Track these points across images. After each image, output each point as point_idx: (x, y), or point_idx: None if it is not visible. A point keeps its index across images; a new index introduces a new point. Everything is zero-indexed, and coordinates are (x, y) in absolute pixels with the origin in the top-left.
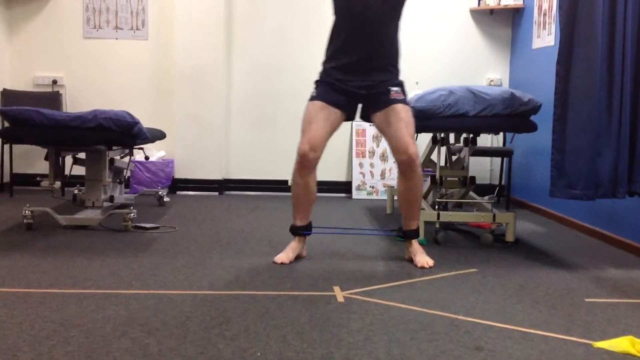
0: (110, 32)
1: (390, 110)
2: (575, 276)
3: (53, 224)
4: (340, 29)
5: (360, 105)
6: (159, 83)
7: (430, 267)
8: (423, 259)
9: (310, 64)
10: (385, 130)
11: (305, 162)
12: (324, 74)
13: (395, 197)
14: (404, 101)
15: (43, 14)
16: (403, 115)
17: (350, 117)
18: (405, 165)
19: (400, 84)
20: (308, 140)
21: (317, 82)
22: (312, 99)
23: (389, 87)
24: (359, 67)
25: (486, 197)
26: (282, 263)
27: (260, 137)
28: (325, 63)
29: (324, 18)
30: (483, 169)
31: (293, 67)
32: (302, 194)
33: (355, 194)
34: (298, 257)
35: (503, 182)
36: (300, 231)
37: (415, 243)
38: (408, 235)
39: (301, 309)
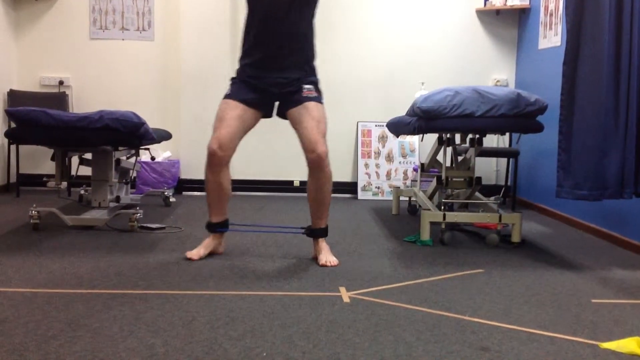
0: (117, 33)
1: (303, 109)
2: (582, 277)
3: (59, 224)
4: (251, 25)
5: (277, 103)
6: (165, 84)
7: (332, 266)
8: (326, 257)
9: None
10: (296, 128)
11: (214, 160)
12: (239, 71)
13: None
14: (316, 99)
15: (49, 15)
16: (315, 114)
17: (267, 115)
18: (314, 163)
19: (314, 82)
20: (217, 138)
21: (232, 79)
22: (226, 97)
23: (302, 85)
24: (272, 64)
25: (492, 198)
26: (191, 259)
27: (265, 138)
28: (240, 60)
29: (328, 19)
30: (489, 169)
31: None
32: (215, 192)
33: (361, 195)
34: (213, 254)
35: (509, 183)
36: (216, 228)
37: (322, 242)
38: (315, 234)
39: (307, 309)
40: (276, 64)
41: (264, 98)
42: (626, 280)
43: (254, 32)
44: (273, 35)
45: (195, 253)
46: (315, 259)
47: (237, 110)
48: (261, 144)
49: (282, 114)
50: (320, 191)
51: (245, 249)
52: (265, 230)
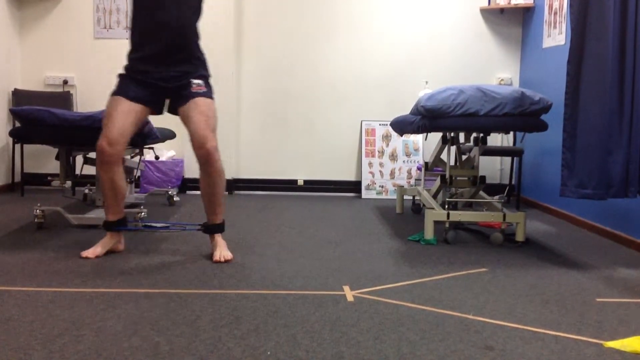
0: (121, 32)
1: (192, 104)
2: (586, 276)
3: (64, 223)
4: (137, 19)
5: (167, 101)
6: None
7: (226, 261)
8: (221, 253)
9: (321, 63)
10: (186, 124)
11: (105, 158)
12: (127, 66)
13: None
14: (206, 94)
15: (54, 15)
16: (203, 109)
17: (157, 111)
18: (203, 159)
19: (204, 77)
20: (105, 135)
21: (120, 75)
22: (113, 93)
23: (191, 80)
24: (160, 59)
25: (496, 197)
26: (86, 257)
27: (269, 137)
28: (128, 55)
29: (334, 18)
30: (493, 168)
31: (303, 67)
32: (109, 190)
33: (365, 194)
34: (113, 252)
35: (513, 182)
36: (113, 226)
37: (218, 237)
38: (211, 230)
39: (311, 308)
40: (164, 58)
41: (153, 94)
42: (631, 279)
43: (140, 26)
44: (159, 29)
45: (91, 252)
46: (211, 255)
47: (124, 106)
48: (265, 143)
49: (174, 111)
50: (212, 186)
51: (248, 247)
52: (161, 228)
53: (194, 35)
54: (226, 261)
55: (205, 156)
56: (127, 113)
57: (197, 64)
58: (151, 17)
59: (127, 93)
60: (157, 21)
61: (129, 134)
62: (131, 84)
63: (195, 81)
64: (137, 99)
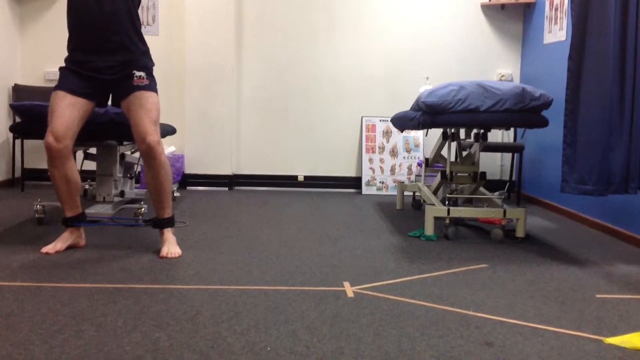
0: None
1: (133, 97)
2: (586, 272)
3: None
4: (71, 7)
5: (111, 94)
6: (169, 79)
7: (175, 257)
8: (169, 249)
9: (321, 59)
10: (128, 118)
11: (53, 154)
12: (67, 58)
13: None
14: (148, 87)
15: (54, 10)
16: (144, 103)
17: (101, 104)
18: (145, 153)
19: (146, 67)
20: (51, 131)
21: (60, 68)
22: (55, 88)
23: (133, 71)
24: (96, 47)
25: (497, 193)
26: (47, 253)
27: (270, 133)
28: (67, 45)
29: (334, 15)
30: (494, 164)
31: (303, 64)
32: (63, 185)
33: (365, 190)
34: (74, 247)
35: (514, 178)
36: (71, 222)
37: (167, 232)
38: (160, 224)
39: (311, 304)
40: (101, 46)
41: (94, 87)
42: (631, 276)
43: (71, 14)
44: (87, 17)
45: (51, 247)
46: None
47: (67, 100)
48: (265, 140)
49: (116, 104)
50: (157, 179)
51: (249, 243)
52: (112, 223)
53: (128, 22)
54: (173, 257)
55: (147, 150)
56: (70, 107)
57: (135, 52)
58: (81, 4)
59: (67, 86)
60: (86, 9)
61: (76, 127)
62: (71, 76)
63: (138, 73)
64: (78, 92)
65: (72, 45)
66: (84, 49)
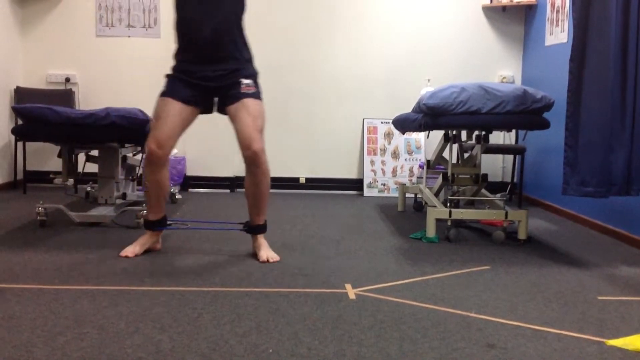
0: (123, 30)
1: (240, 105)
2: (588, 274)
3: (66, 221)
4: (182, 18)
5: (216, 99)
6: None
7: (274, 262)
8: (267, 253)
9: (322, 61)
10: (234, 124)
11: (154, 160)
12: (175, 66)
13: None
14: (254, 95)
15: (56, 12)
16: (251, 110)
17: (206, 111)
18: (249, 160)
19: (253, 76)
20: (154, 137)
21: (167, 76)
22: (162, 94)
23: (240, 79)
24: (207, 56)
25: (498, 195)
26: (126, 256)
27: (271, 135)
28: (175, 56)
29: (336, 15)
30: (495, 166)
31: (304, 66)
32: (154, 190)
33: (367, 192)
34: (151, 250)
35: (515, 180)
36: (154, 226)
37: (260, 238)
38: (254, 230)
39: (313, 306)
40: (211, 57)
41: (201, 94)
42: (632, 277)
43: (179, 24)
44: (203, 28)
45: (130, 251)
46: (254, 255)
47: (173, 107)
48: (267, 141)
49: (222, 110)
50: (258, 187)
51: (250, 245)
52: (204, 227)
53: (237, 31)
54: (274, 262)
55: (252, 157)
56: (175, 114)
57: (242, 61)
58: (189, 14)
59: (175, 94)
60: (195, 18)
61: (178, 135)
62: (178, 84)
63: (245, 81)
64: (185, 99)
65: (180, 55)
66: (194, 59)
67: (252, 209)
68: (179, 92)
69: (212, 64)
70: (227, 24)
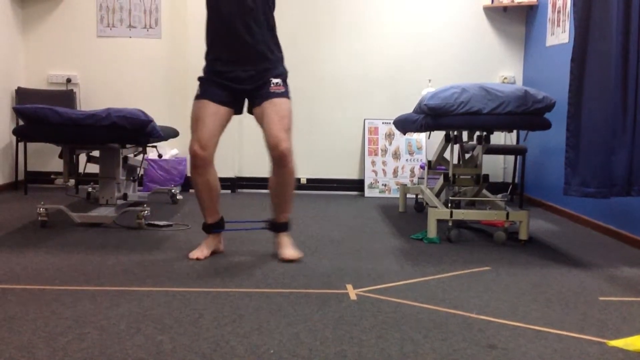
0: (124, 30)
1: (269, 104)
2: (589, 275)
3: (67, 221)
4: (212, 20)
5: (246, 100)
6: (172, 81)
7: (296, 260)
8: (289, 252)
9: (324, 62)
10: (261, 124)
11: (198, 162)
12: (206, 69)
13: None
14: (283, 94)
15: (57, 13)
16: (280, 110)
17: (238, 112)
18: (276, 160)
19: (282, 75)
20: (197, 139)
21: (200, 78)
22: (197, 97)
23: (270, 79)
24: (237, 58)
25: (499, 195)
26: (197, 259)
27: None
28: (206, 57)
29: (337, 16)
30: (496, 166)
31: (305, 68)
32: (205, 193)
33: (368, 192)
34: (215, 253)
35: (516, 180)
36: (212, 229)
37: (283, 236)
38: (277, 228)
39: (314, 306)
40: (242, 57)
41: (233, 96)
42: (634, 278)
43: (215, 26)
44: (234, 28)
45: (199, 253)
46: (276, 253)
47: (210, 109)
48: None
49: (250, 111)
50: (283, 186)
51: (251, 246)
52: (239, 228)
53: (268, 32)
54: (296, 259)
55: (280, 157)
56: (214, 115)
57: (273, 60)
58: (220, 13)
59: (210, 96)
60: (228, 22)
61: (218, 136)
62: (212, 86)
63: (275, 80)
64: (221, 100)
65: (211, 56)
66: (225, 60)
67: (277, 207)
68: (214, 94)
69: (244, 64)
70: (258, 24)
